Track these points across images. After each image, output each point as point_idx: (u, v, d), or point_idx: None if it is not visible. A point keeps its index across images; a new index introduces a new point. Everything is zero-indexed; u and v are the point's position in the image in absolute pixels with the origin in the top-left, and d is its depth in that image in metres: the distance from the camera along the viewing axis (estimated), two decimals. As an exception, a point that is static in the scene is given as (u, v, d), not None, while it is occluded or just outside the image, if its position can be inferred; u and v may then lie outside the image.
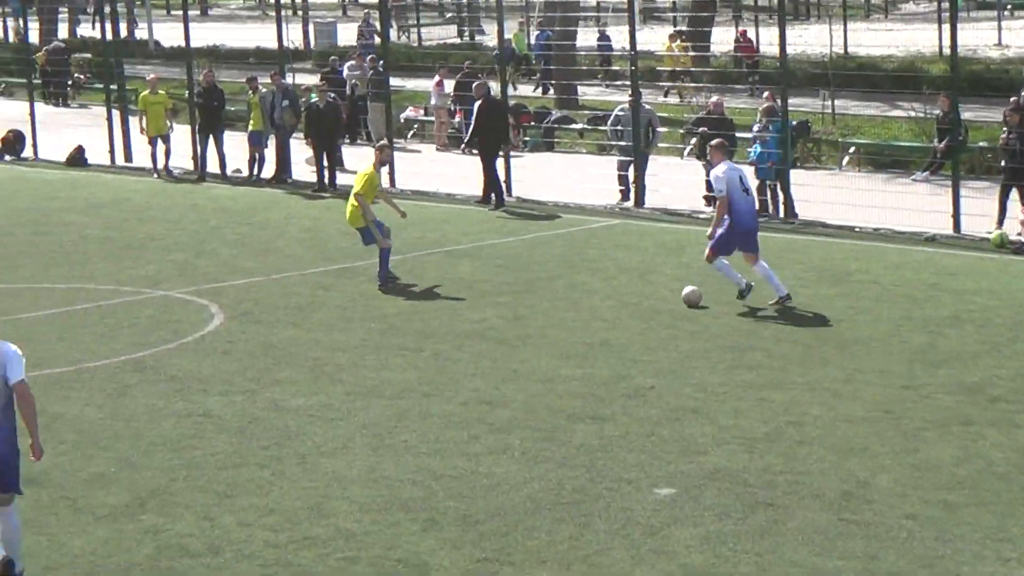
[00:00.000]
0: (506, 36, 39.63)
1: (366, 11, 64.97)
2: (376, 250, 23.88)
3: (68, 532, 13.90)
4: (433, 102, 41.08)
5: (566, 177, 33.16)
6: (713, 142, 23.39)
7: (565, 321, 21.39)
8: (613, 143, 32.50)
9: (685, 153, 33.45)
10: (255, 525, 13.91)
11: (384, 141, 28.00)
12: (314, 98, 34.62)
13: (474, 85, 32.85)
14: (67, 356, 20.17)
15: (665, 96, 44.39)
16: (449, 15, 72.55)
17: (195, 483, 15.11)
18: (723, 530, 13.44)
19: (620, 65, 46.84)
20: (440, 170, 34.91)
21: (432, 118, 41.34)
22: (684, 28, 50.76)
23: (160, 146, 36.20)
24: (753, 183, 26.93)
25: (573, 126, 40.44)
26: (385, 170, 27.52)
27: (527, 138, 39.48)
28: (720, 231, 21.92)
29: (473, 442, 16.11)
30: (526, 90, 49.81)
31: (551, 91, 47.91)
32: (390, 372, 18.99)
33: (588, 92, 45.33)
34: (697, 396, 17.58)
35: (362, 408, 17.47)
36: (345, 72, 41.87)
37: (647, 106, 32.09)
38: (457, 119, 39.74)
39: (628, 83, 32.43)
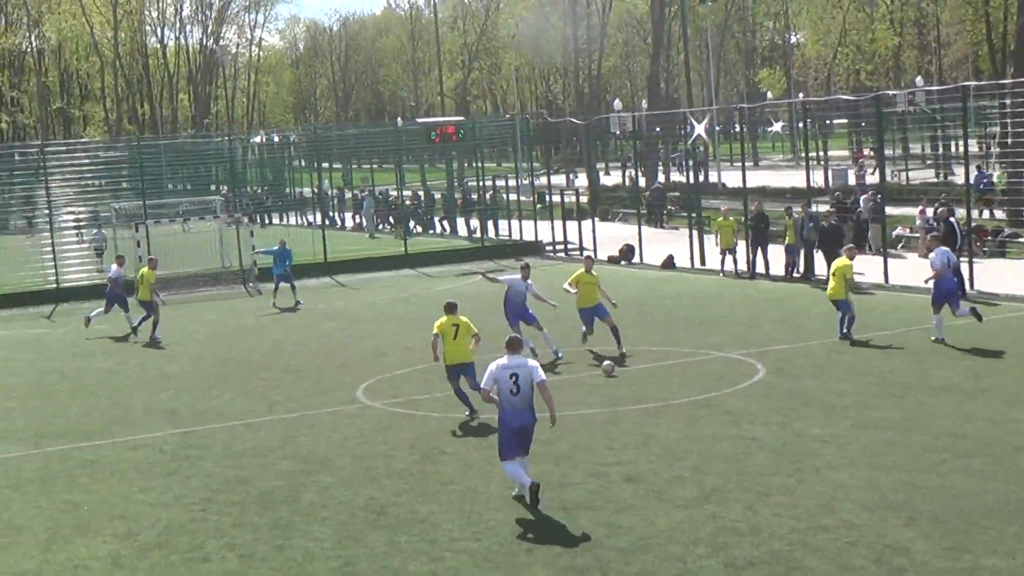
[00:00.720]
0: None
1: (861, 159, 63.62)
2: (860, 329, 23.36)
3: (655, 514, 14.02)
4: (917, 223, 39.68)
5: (1016, 277, 31.41)
6: (931, 235, 27.11)
7: (1011, 379, 20.17)
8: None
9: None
10: (783, 515, 13.68)
11: (852, 245, 27.52)
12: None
13: (937, 211, 31.90)
14: (658, 396, 20.39)
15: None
16: (928, 161, 70.14)
17: (742, 484, 14.99)
18: None
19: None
20: (922, 271, 33.67)
21: (916, 234, 39.89)
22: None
23: (728, 256, 36.36)
24: None
25: (1021, 240, 38.23)
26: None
27: (985, 248, 37.52)
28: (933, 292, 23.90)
29: (942, 464, 15.36)
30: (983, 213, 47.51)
31: (1001, 214, 45.60)
32: (881, 412, 18.35)
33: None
34: (1114, 436, 16.30)
35: (862, 437, 16.95)
36: (861, 204, 40.98)
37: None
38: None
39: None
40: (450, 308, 19.68)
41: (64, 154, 47.42)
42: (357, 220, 63.45)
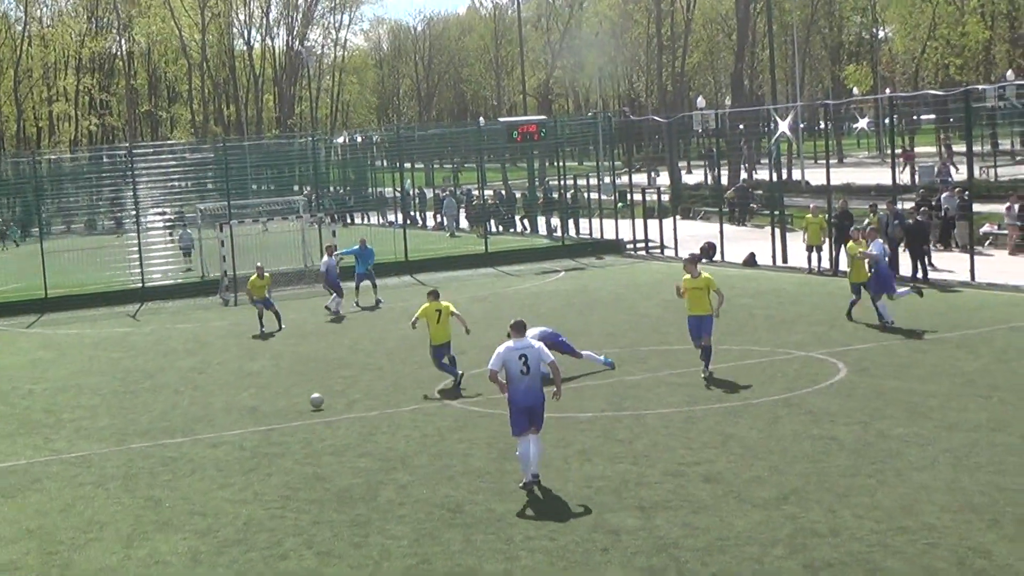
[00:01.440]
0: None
1: (944, 158, 62.65)
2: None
3: (733, 515, 13.90)
4: (1005, 220, 38.99)
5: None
6: (870, 227, 28.20)
7: (1103, 379, 19.77)
8: None
9: None
10: (864, 517, 13.49)
11: (855, 227, 30.10)
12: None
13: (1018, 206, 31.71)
14: (737, 395, 20.23)
15: None
16: (1018, 157, 68.89)
17: (822, 485, 14.81)
18: None
19: None
20: (1013, 268, 33.17)
21: (1004, 231, 39.20)
22: None
23: (815, 253, 35.95)
24: None
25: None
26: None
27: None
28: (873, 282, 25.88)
29: (1028, 465, 15.09)
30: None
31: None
32: (966, 412, 18.03)
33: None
34: None
35: (945, 438, 16.67)
36: (944, 201, 40.33)
37: None
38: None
39: None
40: (433, 295, 22.63)
41: (151, 156, 48.15)
42: (438, 219, 63.71)
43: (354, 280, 36.26)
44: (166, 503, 16.07)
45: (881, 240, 26.90)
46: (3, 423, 22.06)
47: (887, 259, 26.45)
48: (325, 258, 35.44)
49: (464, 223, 61.43)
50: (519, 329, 15.89)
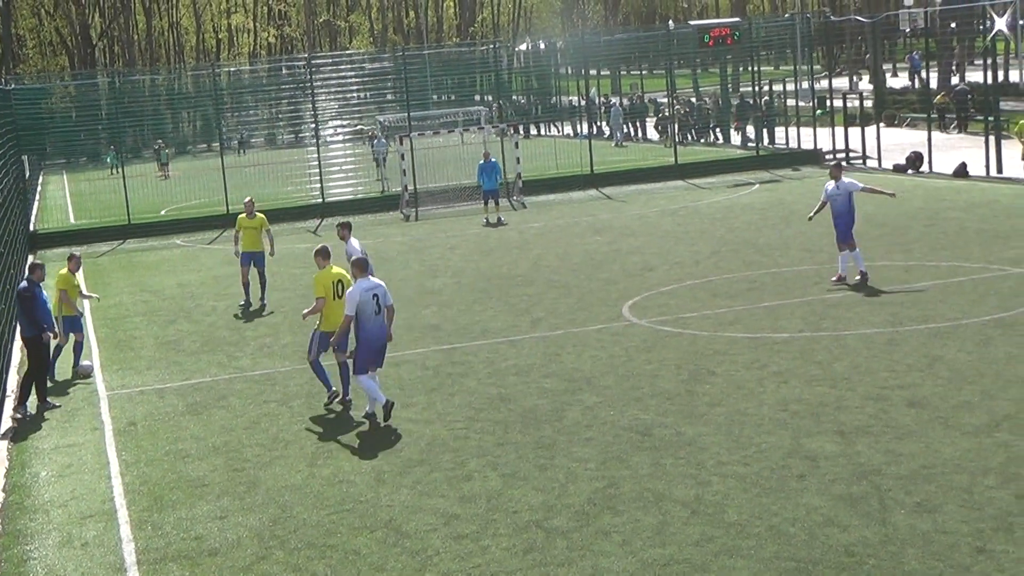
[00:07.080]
0: None
1: None
2: None
3: (940, 443, 13.64)
4: None
5: None
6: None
7: None
8: None
9: None
10: (1084, 446, 13.12)
11: None
12: None
13: None
14: (945, 315, 19.71)
15: None
16: None
17: (1038, 412, 14.42)
18: None
19: None
20: None
21: None
22: None
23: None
24: None
25: None
26: None
27: None
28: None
29: None
30: None
31: None
32: None
33: None
34: None
35: None
36: None
37: None
38: None
39: None
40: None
41: (330, 67, 48.92)
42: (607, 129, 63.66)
43: (481, 197, 36.90)
44: (352, 421, 16.52)
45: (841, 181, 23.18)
46: (189, 340, 22.91)
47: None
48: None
49: (653, 134, 61.04)
50: (363, 267, 16.24)
